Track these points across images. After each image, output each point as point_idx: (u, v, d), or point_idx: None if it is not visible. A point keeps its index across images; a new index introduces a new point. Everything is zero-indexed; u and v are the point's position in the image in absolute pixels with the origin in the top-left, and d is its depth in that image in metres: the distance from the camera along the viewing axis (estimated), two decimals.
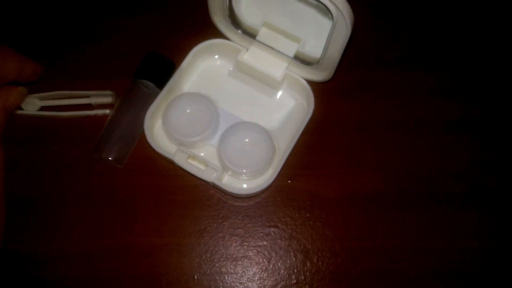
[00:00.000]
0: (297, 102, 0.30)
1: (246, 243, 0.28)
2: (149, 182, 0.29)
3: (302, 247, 0.28)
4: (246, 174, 0.27)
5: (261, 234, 0.28)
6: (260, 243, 0.28)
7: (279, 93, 0.31)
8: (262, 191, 0.28)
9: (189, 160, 0.27)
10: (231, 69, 0.31)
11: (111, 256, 0.27)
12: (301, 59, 0.28)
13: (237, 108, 0.30)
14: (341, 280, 0.27)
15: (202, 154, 0.29)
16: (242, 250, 0.28)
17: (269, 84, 0.30)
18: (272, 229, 0.28)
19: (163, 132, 0.29)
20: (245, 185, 0.28)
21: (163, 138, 0.29)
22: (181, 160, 0.27)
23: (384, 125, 0.31)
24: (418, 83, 0.32)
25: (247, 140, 0.28)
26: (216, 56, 0.31)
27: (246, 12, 0.29)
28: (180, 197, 0.28)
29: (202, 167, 0.27)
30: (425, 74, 0.32)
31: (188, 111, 0.28)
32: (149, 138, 0.27)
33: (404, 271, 0.27)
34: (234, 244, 0.28)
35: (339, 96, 0.31)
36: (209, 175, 0.27)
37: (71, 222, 0.27)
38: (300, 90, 0.30)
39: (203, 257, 0.27)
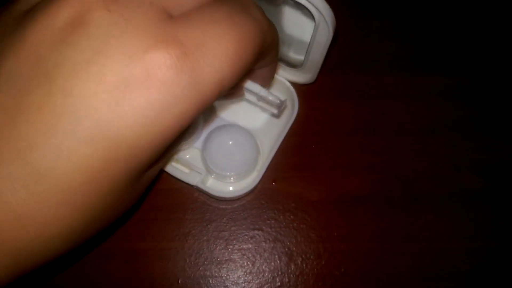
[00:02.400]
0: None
1: (231, 246, 0.28)
2: None
3: (286, 249, 0.28)
4: (230, 177, 0.27)
5: (245, 237, 0.28)
6: (244, 246, 0.28)
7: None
8: (247, 194, 0.28)
9: (173, 164, 0.27)
10: None
11: (93, 261, 0.27)
12: (285, 61, 0.28)
13: (221, 110, 0.30)
14: (325, 282, 0.27)
15: (187, 156, 0.28)
16: (226, 253, 0.27)
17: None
18: (256, 231, 0.28)
19: None
20: (230, 188, 0.28)
21: None
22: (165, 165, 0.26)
23: (369, 127, 0.31)
24: (405, 86, 0.32)
25: (231, 142, 0.28)
26: None
27: None
28: (164, 200, 0.28)
29: (186, 170, 0.27)
30: (412, 77, 0.32)
31: None
32: None
33: (388, 273, 0.27)
34: (218, 247, 0.28)
35: (325, 99, 0.31)
36: (193, 179, 0.26)
37: None
38: (284, 91, 0.30)
39: (187, 261, 0.27)
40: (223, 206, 0.28)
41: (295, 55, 0.28)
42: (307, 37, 0.25)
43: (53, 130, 0.14)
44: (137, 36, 0.14)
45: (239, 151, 0.28)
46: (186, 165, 0.27)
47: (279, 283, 0.27)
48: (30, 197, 0.14)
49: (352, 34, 0.34)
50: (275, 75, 0.29)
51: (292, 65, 0.28)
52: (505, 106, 0.32)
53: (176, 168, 0.27)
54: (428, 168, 0.30)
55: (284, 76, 0.29)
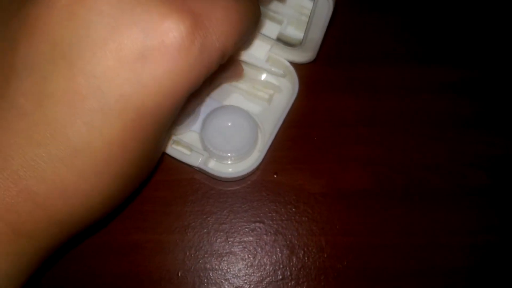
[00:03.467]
0: (281, 84, 0.30)
1: (231, 239, 0.27)
2: None
3: (288, 242, 0.27)
4: (231, 158, 0.27)
5: (246, 229, 0.27)
6: (245, 239, 0.27)
7: (263, 76, 0.30)
8: (249, 174, 0.27)
9: (173, 146, 0.26)
10: None
11: (91, 255, 0.26)
12: (284, 41, 0.28)
13: (218, 93, 0.29)
14: (327, 275, 0.27)
15: (185, 140, 0.28)
16: (227, 246, 0.27)
17: (252, 67, 0.29)
18: (257, 224, 0.28)
19: None
20: (230, 169, 0.28)
21: None
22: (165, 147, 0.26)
23: (372, 120, 0.30)
24: (408, 79, 0.32)
25: (229, 124, 0.27)
26: None
27: None
28: (162, 192, 0.28)
29: (187, 152, 0.26)
30: (416, 69, 0.32)
31: None
32: None
33: (390, 267, 0.27)
34: (218, 240, 0.27)
35: (327, 91, 0.31)
36: (194, 160, 0.26)
37: None
38: (284, 71, 0.29)
39: (187, 254, 0.27)
40: (223, 199, 0.28)
41: (294, 33, 0.28)
42: (305, 15, 0.25)
43: (81, 110, 0.15)
44: (149, 7, 0.15)
45: (238, 131, 0.27)
46: (186, 147, 0.27)
47: (280, 276, 0.27)
48: (70, 172, 0.15)
49: (353, 26, 0.33)
50: (273, 55, 0.29)
51: (291, 44, 0.28)
52: (509, 101, 0.32)
53: (176, 150, 0.26)
54: (431, 162, 0.30)
55: (283, 56, 0.29)
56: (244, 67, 0.29)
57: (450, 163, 0.30)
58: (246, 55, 0.29)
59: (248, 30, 0.18)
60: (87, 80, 0.14)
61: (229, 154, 0.26)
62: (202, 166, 0.26)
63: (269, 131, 0.28)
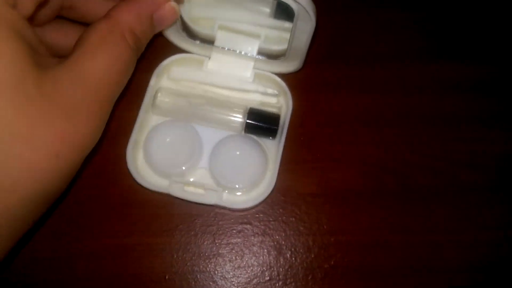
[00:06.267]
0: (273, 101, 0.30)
1: (219, 241, 0.27)
2: (119, 182, 0.28)
3: (275, 243, 0.27)
4: (244, 188, 0.27)
5: (233, 231, 0.28)
6: (232, 240, 0.27)
7: (254, 96, 0.29)
8: (266, 199, 0.27)
9: (185, 188, 0.26)
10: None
11: (80, 259, 0.26)
12: (266, 54, 0.28)
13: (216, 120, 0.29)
14: (315, 275, 0.27)
15: (191, 179, 0.28)
16: (214, 248, 0.27)
17: (242, 92, 0.29)
18: (244, 225, 0.28)
19: (146, 166, 0.27)
20: (244, 198, 0.27)
21: (148, 171, 0.28)
22: (178, 191, 0.26)
23: (361, 120, 0.30)
24: (398, 78, 0.31)
25: (238, 153, 0.27)
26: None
27: (199, 20, 0.28)
28: (151, 196, 0.28)
29: (201, 191, 0.26)
30: (412, 68, 0.32)
31: (168, 140, 0.27)
32: (136, 176, 0.26)
33: (378, 265, 0.27)
34: (206, 242, 0.27)
35: (315, 91, 0.31)
36: (210, 198, 0.26)
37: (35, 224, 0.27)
38: (274, 86, 0.29)
39: (175, 256, 0.27)
40: None
41: (275, 46, 0.28)
42: (284, 25, 0.25)
43: None
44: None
45: (248, 160, 0.27)
46: (199, 187, 0.27)
47: (268, 277, 0.27)
48: None
49: (357, 24, 0.33)
50: (259, 71, 0.29)
51: (274, 56, 0.28)
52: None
53: (190, 192, 0.26)
54: (422, 161, 0.29)
55: (269, 69, 0.29)
56: (235, 93, 0.29)
57: (443, 162, 0.29)
58: (232, 82, 0.28)
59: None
60: None
61: (241, 185, 0.27)
62: (219, 203, 0.26)
63: (274, 149, 0.28)
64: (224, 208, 0.27)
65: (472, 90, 0.31)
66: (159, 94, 0.28)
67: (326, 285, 0.26)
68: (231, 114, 0.28)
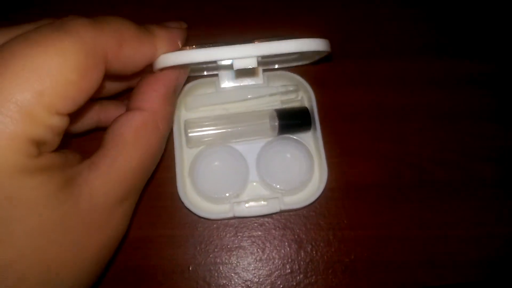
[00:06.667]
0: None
1: (240, 234, 0.28)
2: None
3: (296, 236, 0.28)
4: (297, 186, 0.27)
5: (255, 224, 0.28)
6: (254, 233, 0.28)
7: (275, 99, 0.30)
8: (323, 192, 0.27)
9: (247, 206, 0.27)
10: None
11: None
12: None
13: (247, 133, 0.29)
14: (335, 269, 0.27)
15: (247, 196, 0.28)
16: (236, 241, 0.28)
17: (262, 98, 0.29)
18: (265, 219, 0.28)
19: (200, 198, 0.28)
20: (302, 194, 0.28)
21: (203, 203, 0.28)
22: (242, 211, 0.26)
23: (379, 114, 0.31)
24: (418, 73, 0.32)
25: (285, 155, 0.28)
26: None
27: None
28: (173, 188, 0.28)
29: (263, 202, 0.27)
30: (428, 63, 0.32)
31: (216, 164, 0.28)
32: (198, 212, 0.26)
33: (398, 260, 0.27)
34: (228, 234, 0.28)
35: (334, 86, 0.31)
36: (275, 207, 0.26)
37: None
38: (289, 81, 0.30)
39: (198, 248, 0.27)
40: None
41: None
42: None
43: None
44: None
45: (296, 159, 0.28)
46: (259, 199, 0.27)
47: (289, 270, 0.27)
48: None
49: (371, 19, 0.33)
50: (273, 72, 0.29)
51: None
52: None
53: (254, 208, 0.26)
54: (439, 156, 0.30)
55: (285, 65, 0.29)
56: (255, 101, 0.29)
57: (461, 157, 0.30)
58: (247, 92, 0.29)
59: None
60: None
61: (294, 185, 0.27)
62: (284, 207, 0.26)
63: (314, 146, 0.28)
64: (289, 210, 0.27)
65: (491, 86, 0.31)
66: (188, 130, 0.27)
67: (347, 278, 0.27)
68: (260, 121, 0.28)
